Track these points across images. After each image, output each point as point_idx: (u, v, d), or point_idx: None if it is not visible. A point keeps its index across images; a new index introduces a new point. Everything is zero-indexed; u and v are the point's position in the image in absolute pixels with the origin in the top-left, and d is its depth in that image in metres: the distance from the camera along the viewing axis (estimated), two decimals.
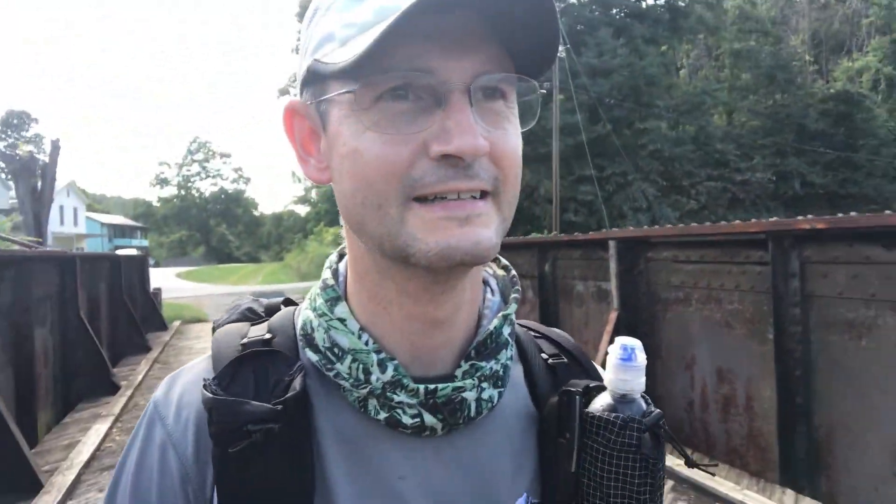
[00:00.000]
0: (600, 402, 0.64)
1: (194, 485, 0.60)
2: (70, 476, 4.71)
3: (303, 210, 70.92)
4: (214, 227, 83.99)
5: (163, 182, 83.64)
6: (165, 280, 25.13)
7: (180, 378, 0.67)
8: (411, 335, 0.64)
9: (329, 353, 0.63)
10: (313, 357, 0.64)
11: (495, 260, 0.76)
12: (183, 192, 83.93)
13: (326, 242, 38.09)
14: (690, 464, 0.66)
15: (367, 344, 0.63)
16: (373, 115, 0.55)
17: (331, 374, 0.63)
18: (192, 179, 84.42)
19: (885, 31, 37.11)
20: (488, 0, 0.52)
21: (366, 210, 0.58)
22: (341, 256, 0.72)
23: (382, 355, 0.62)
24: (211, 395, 0.58)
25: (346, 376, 0.62)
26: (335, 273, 0.70)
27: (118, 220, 77.84)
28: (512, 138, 0.59)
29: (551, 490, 0.66)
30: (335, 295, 0.66)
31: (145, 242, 75.72)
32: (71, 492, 4.60)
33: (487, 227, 0.57)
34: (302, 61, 0.63)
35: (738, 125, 32.12)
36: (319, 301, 0.66)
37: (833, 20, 42.08)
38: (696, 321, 4.53)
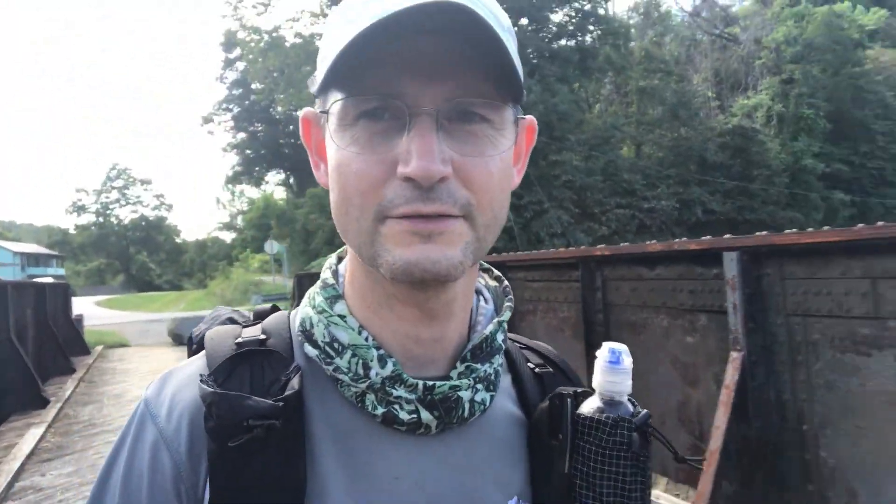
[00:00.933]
0: (589, 405, 0.66)
1: (187, 483, 0.59)
2: (15, 465, 5.35)
3: (228, 237, 70.28)
4: (134, 254, 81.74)
5: (80, 209, 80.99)
6: (85, 308, 24.74)
7: (172, 377, 0.67)
8: (403, 338, 0.66)
9: (328, 348, 0.65)
10: (312, 352, 0.66)
11: (487, 271, 0.81)
12: (101, 220, 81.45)
13: (253, 269, 37.99)
14: (679, 459, 0.69)
15: (366, 340, 0.64)
16: (353, 133, 0.58)
17: (330, 368, 0.64)
18: (110, 206, 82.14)
19: (775, 71, 40.50)
20: (435, 26, 0.53)
21: (347, 220, 0.60)
22: (340, 259, 0.76)
23: (381, 351, 0.63)
24: (211, 390, 0.58)
25: (346, 370, 0.63)
26: (335, 274, 0.72)
27: (32, 248, 74.98)
28: (489, 162, 0.60)
29: (543, 493, 0.68)
30: (335, 293, 0.68)
31: (61, 271, 73.16)
32: (18, 475, 5.22)
33: (452, 246, 0.58)
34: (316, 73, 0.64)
35: (644, 157, 34.35)
36: (319, 299, 0.69)
37: (732, 60, 45.50)
38: (541, 327, 5.45)
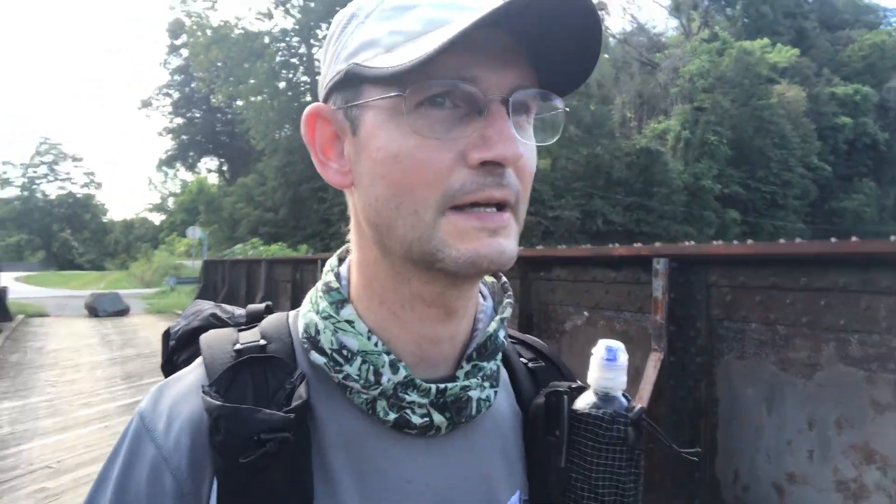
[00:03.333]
0: (584, 401, 0.68)
1: (189, 500, 0.57)
2: None
3: (157, 218, 69.81)
4: (57, 231, 79.93)
5: (3, 182, 78.76)
6: (5, 283, 25.78)
7: (169, 388, 0.64)
8: (420, 338, 0.65)
9: (337, 356, 0.63)
10: (320, 360, 0.63)
11: None
12: (26, 194, 79.36)
13: (178, 253, 38.60)
14: (674, 452, 0.70)
15: (376, 345, 0.63)
16: (414, 121, 0.56)
17: (339, 376, 0.62)
18: (37, 181, 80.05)
19: (689, 99, 43.89)
20: (534, 22, 0.54)
21: (400, 214, 0.58)
22: (340, 260, 0.73)
23: (392, 357, 0.62)
24: (218, 403, 0.56)
25: (357, 378, 0.62)
26: (338, 276, 0.70)
27: None
28: (533, 154, 0.61)
29: (539, 486, 0.69)
30: (341, 298, 0.66)
31: None
32: None
33: (509, 239, 0.59)
34: (331, 66, 0.63)
35: (558, 170, 36.87)
36: (323, 304, 0.66)
37: (653, 86, 48.81)
38: None
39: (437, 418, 0.63)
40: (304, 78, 41.73)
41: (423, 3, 0.58)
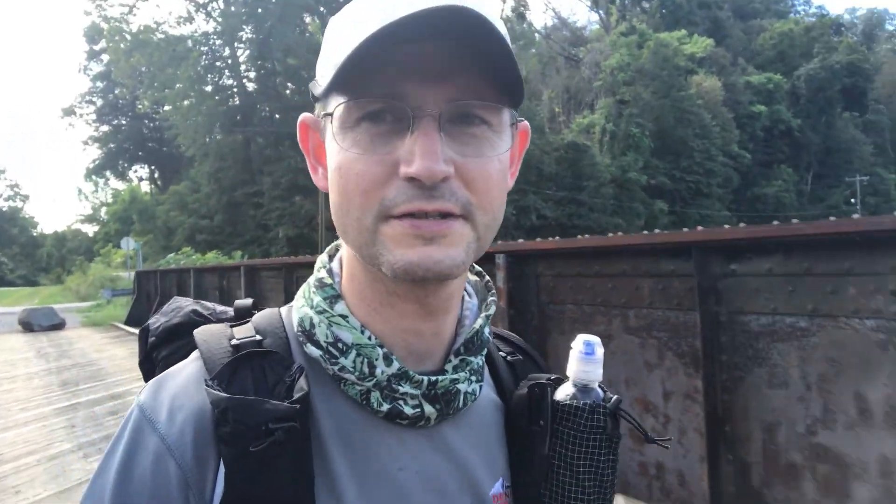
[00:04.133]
0: (563, 392, 0.71)
1: (195, 490, 0.57)
2: None
3: (90, 229, 68.02)
4: None
5: None
6: None
7: (168, 381, 0.65)
8: (403, 334, 0.67)
9: (332, 349, 0.65)
10: (315, 352, 0.66)
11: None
12: None
13: (115, 265, 38.04)
14: (648, 439, 0.73)
15: (370, 339, 0.65)
16: (355, 135, 0.59)
17: (335, 367, 0.64)
18: None
19: (612, 93, 45.47)
20: (440, 30, 0.54)
21: (348, 220, 0.61)
22: (331, 256, 0.76)
23: (385, 350, 0.65)
24: (225, 395, 0.58)
25: (352, 370, 0.64)
26: (330, 272, 0.72)
27: None
28: (489, 163, 0.61)
29: (522, 472, 0.73)
30: (334, 293, 0.68)
31: None
32: None
33: (454, 247, 0.60)
34: (318, 76, 0.66)
35: None
36: (317, 299, 0.69)
37: (577, 80, 50.27)
38: None
39: (428, 409, 0.65)
40: (231, 81, 41.65)
41: (367, 20, 0.57)
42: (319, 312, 0.67)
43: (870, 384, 2.37)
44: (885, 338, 2.32)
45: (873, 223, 2.31)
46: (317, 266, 0.74)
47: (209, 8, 40.27)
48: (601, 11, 60.84)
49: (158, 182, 55.67)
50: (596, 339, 0.70)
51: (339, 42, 0.61)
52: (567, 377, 0.72)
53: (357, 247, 0.63)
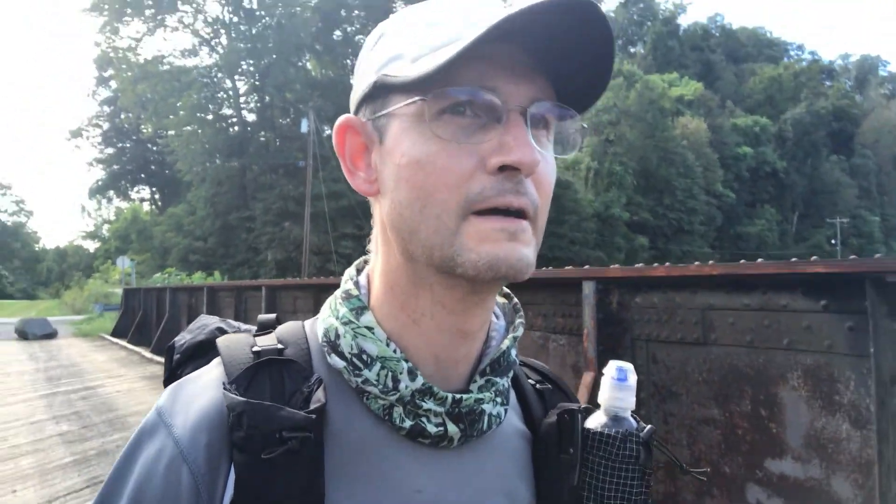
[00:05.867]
0: (595, 420, 0.68)
1: (205, 495, 0.57)
2: None
3: (92, 246, 69.57)
4: None
5: None
6: None
7: (187, 385, 0.64)
8: (437, 347, 0.65)
9: (356, 360, 0.63)
10: (339, 363, 0.64)
11: None
12: None
13: (112, 281, 39.38)
14: (684, 471, 0.71)
15: (395, 352, 0.63)
16: (436, 127, 0.57)
17: (358, 380, 0.63)
18: None
19: (595, 133, 47.19)
20: (544, 35, 0.56)
21: (423, 218, 0.59)
22: (359, 270, 0.74)
23: (410, 364, 0.63)
24: (242, 399, 0.57)
25: (375, 382, 0.62)
26: (357, 285, 0.70)
27: None
28: (553, 168, 0.62)
29: (549, 503, 0.69)
30: (360, 304, 0.67)
31: None
32: None
33: (528, 246, 0.59)
34: (362, 80, 0.65)
35: None
36: (343, 310, 0.67)
37: None
38: None
39: (452, 429, 0.63)
40: (230, 111, 43.63)
41: (448, 21, 0.60)
42: (345, 323, 0.65)
43: None
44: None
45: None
46: (344, 279, 0.73)
47: (213, 43, 42.56)
48: None
49: (158, 203, 57.45)
50: (629, 366, 0.68)
51: (419, 39, 0.60)
52: (598, 405, 0.70)
53: (429, 247, 0.59)
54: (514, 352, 0.70)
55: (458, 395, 0.63)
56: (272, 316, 0.77)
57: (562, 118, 0.62)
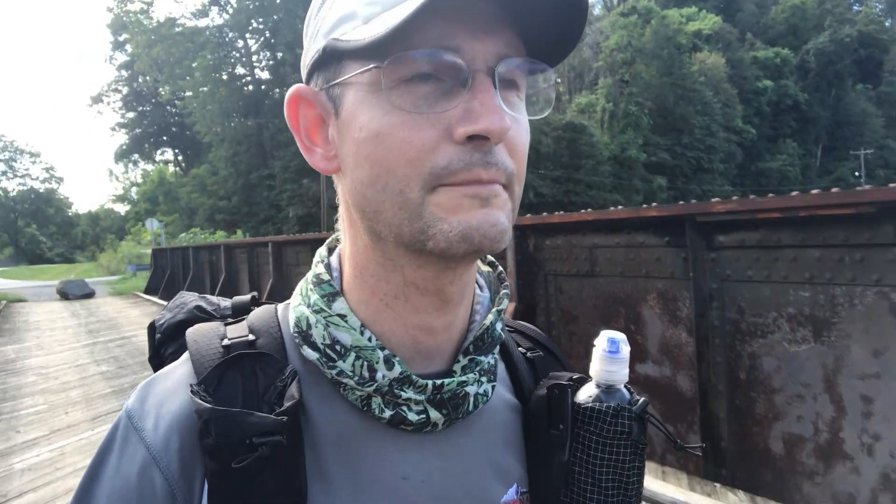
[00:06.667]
0: (587, 393, 0.65)
1: (181, 499, 0.55)
2: None
3: (122, 209, 71.40)
4: (24, 227, 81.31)
5: None
6: None
7: (156, 385, 0.62)
8: (414, 330, 0.62)
9: (330, 351, 0.60)
10: (312, 355, 0.61)
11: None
12: None
13: (145, 242, 40.83)
14: (678, 447, 0.69)
15: (370, 340, 0.60)
16: (395, 97, 0.52)
17: (332, 372, 0.60)
18: None
19: (612, 72, 46.86)
20: None
21: (386, 195, 0.54)
22: (330, 250, 0.70)
23: (387, 352, 0.60)
24: (208, 406, 0.54)
25: (350, 374, 0.59)
26: (328, 268, 0.67)
27: None
28: (525, 131, 0.58)
29: (540, 478, 0.67)
30: (332, 290, 0.63)
31: None
32: None
33: (503, 212, 0.55)
34: (311, 45, 0.60)
35: None
36: (314, 297, 0.63)
37: (578, 61, 51.50)
38: None
39: (434, 415, 0.60)
40: (243, 70, 43.97)
41: None
42: (316, 312, 0.62)
43: None
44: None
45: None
46: (315, 261, 0.68)
47: (222, 2, 42.73)
48: None
49: (182, 164, 58.64)
50: (621, 336, 0.65)
51: (356, 3, 0.55)
52: (590, 377, 0.67)
53: (396, 225, 0.55)
54: (499, 326, 0.68)
55: (438, 381, 0.60)
56: (246, 298, 0.76)
57: (532, 73, 0.58)
